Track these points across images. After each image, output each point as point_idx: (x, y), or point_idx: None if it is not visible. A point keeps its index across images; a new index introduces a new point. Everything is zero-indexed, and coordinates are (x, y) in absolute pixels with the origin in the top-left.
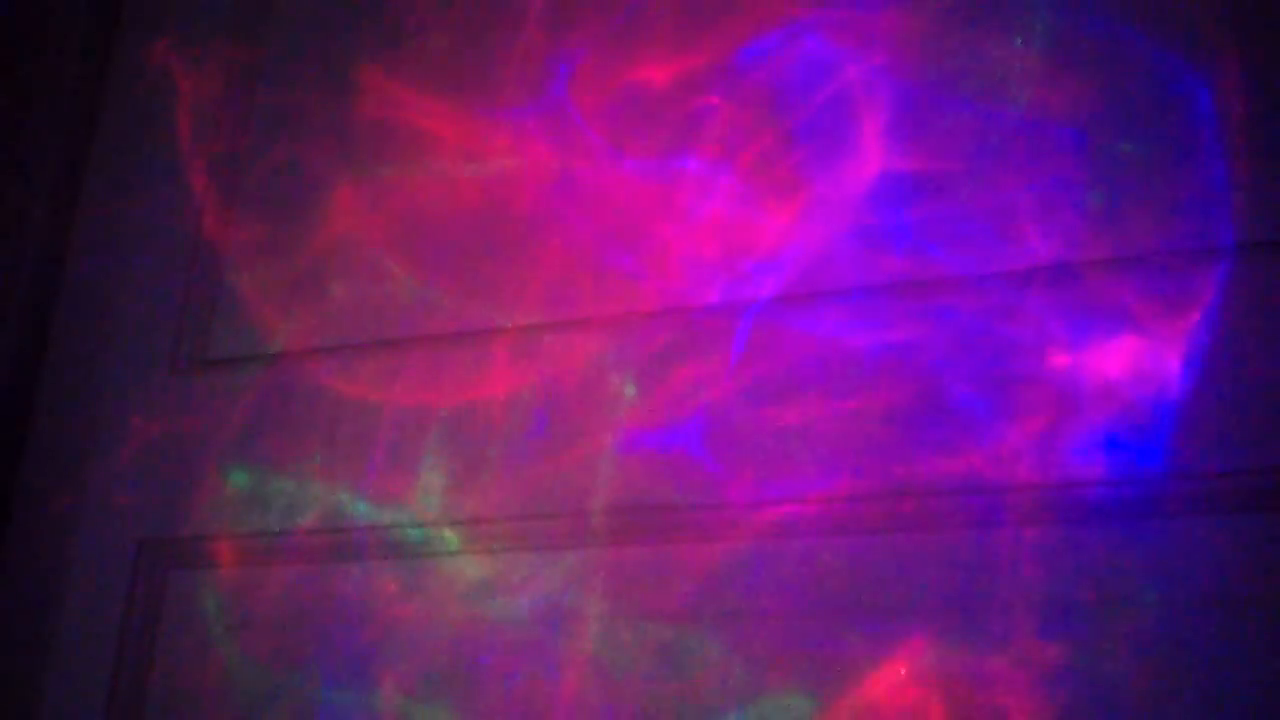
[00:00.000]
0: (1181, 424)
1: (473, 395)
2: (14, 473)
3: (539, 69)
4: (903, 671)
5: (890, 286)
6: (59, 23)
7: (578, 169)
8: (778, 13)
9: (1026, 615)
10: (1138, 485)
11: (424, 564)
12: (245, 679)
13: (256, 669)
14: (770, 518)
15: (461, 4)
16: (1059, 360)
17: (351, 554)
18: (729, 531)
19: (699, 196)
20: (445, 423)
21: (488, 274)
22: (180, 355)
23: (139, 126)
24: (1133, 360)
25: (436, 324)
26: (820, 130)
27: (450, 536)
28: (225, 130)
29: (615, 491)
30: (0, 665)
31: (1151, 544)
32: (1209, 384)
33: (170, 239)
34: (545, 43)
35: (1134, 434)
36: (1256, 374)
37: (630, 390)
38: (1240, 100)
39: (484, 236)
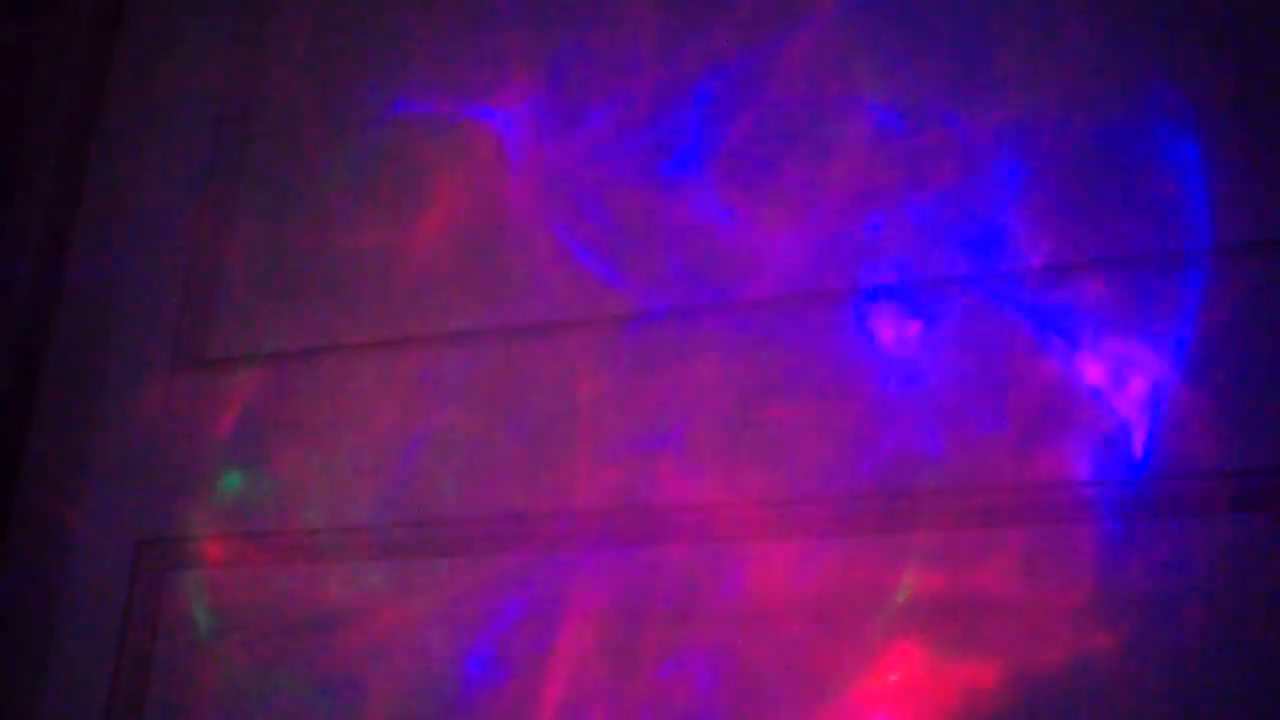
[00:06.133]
0: (1180, 424)
1: (470, 395)
2: (14, 473)
3: (538, 68)
4: (901, 671)
5: (889, 287)
6: (60, 23)
7: (576, 169)
8: (776, 12)
9: (1026, 615)
10: (1138, 485)
11: (423, 564)
12: (244, 679)
13: (255, 669)
14: (769, 518)
15: (459, 3)
16: (1058, 360)
17: (350, 554)
18: (728, 531)
19: (697, 197)
20: (443, 422)
21: (484, 274)
22: (180, 355)
23: (139, 126)
24: (1132, 360)
25: (434, 324)
26: (818, 130)
27: (449, 536)
28: (225, 129)
29: (613, 492)
30: (0, 665)
31: (1151, 544)
32: (1208, 384)
33: (170, 239)
34: (544, 42)
35: (1132, 434)
36: (1255, 374)
37: (630, 390)
38: (1240, 100)
39: (481, 236)
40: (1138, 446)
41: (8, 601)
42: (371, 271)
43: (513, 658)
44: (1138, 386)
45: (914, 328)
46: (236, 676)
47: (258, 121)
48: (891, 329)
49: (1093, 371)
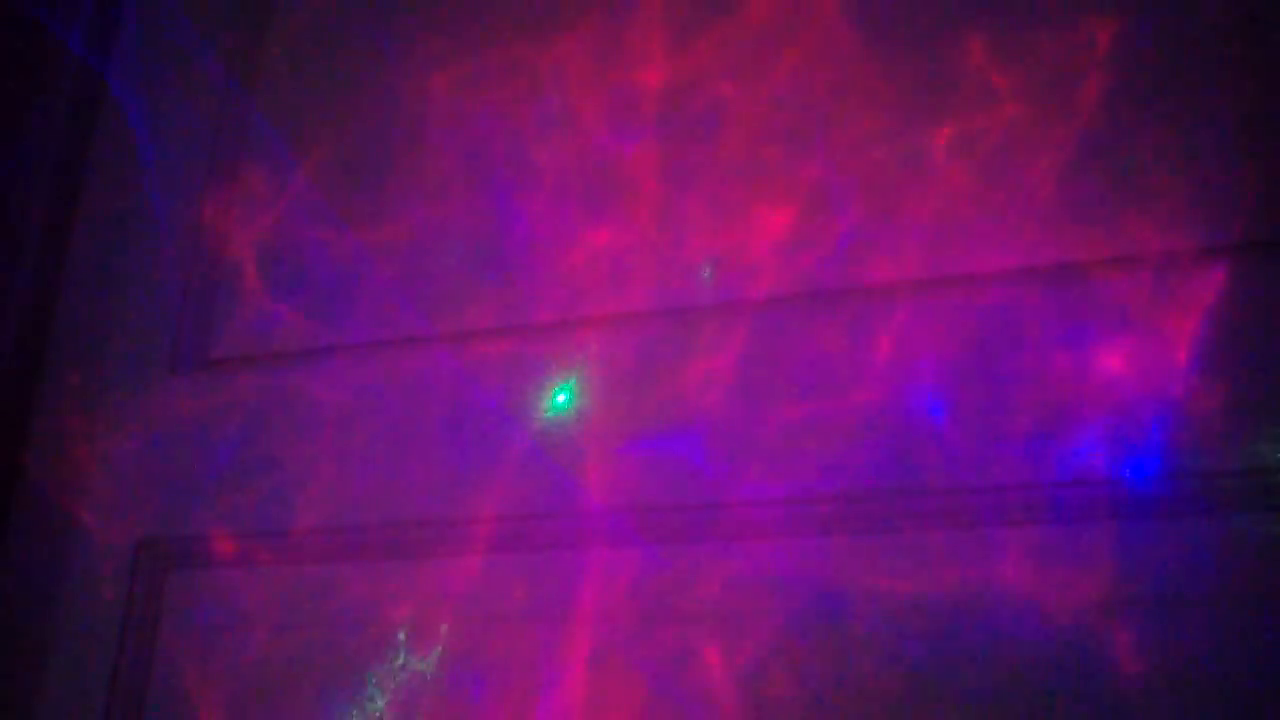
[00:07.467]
0: (1181, 424)
1: (471, 395)
2: (14, 473)
3: (539, 69)
4: (902, 671)
5: (890, 286)
6: (60, 22)
7: (576, 169)
8: (777, 14)
9: (1026, 615)
10: (1138, 485)
11: (424, 564)
12: (245, 679)
13: (256, 669)
14: (770, 518)
15: (458, 8)
16: (1059, 360)
17: (351, 554)
18: (728, 531)
19: (699, 197)
20: (444, 422)
21: (486, 275)
22: (180, 355)
23: (139, 125)
24: (1133, 360)
25: (435, 325)
26: (820, 131)
27: (450, 536)
28: (225, 130)
29: (615, 491)
30: (0, 665)
31: (1152, 544)
32: (1209, 384)
33: (170, 239)
34: (545, 43)
35: (1134, 434)
36: (1256, 374)
37: (630, 390)
38: (1240, 100)
39: (482, 238)
40: (1148, 445)
41: (8, 601)
42: (373, 271)
43: (517, 657)
44: (1148, 386)
45: (923, 326)
46: (237, 676)
47: (258, 121)
48: (902, 328)
49: (1102, 371)
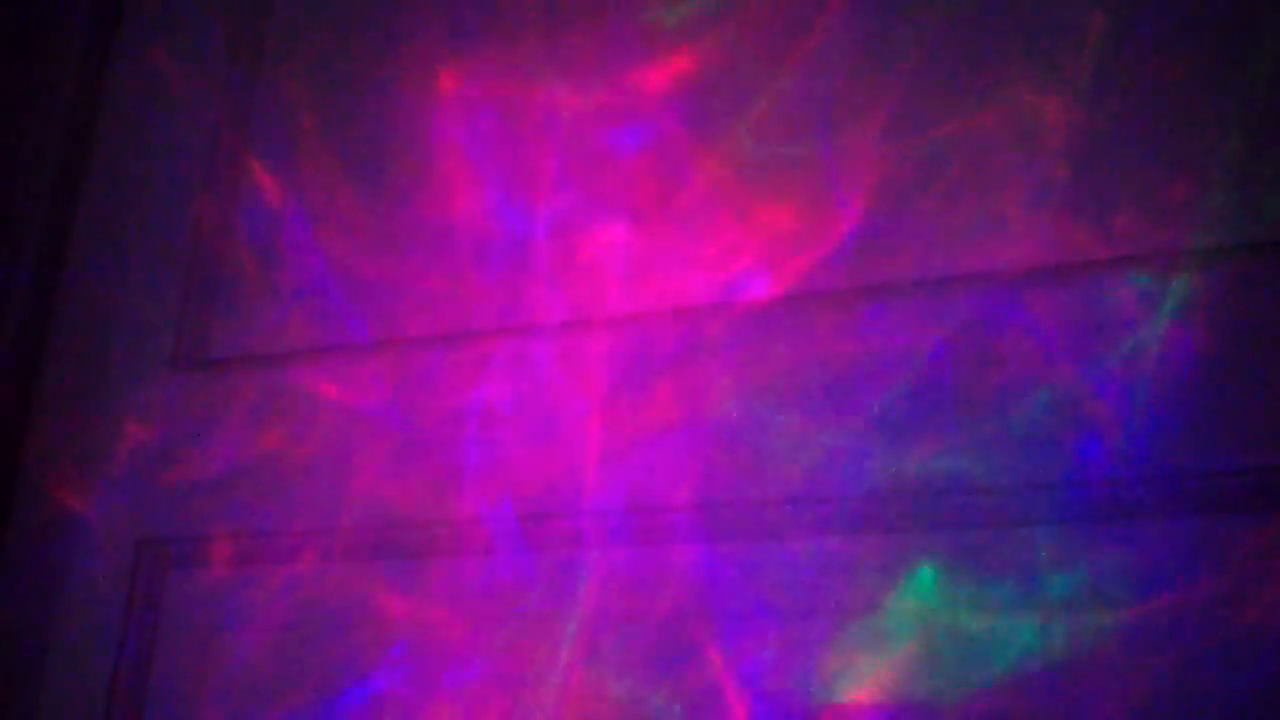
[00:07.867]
0: (1181, 424)
1: (471, 396)
2: (14, 473)
3: (536, 70)
4: (903, 672)
5: (889, 287)
6: (59, 23)
7: (575, 169)
8: (781, 12)
9: (1026, 616)
10: (1137, 485)
11: (423, 564)
12: (245, 679)
13: (256, 669)
14: (769, 518)
15: (458, 6)
16: (1058, 360)
17: (351, 554)
18: (728, 531)
19: (699, 197)
20: (444, 422)
21: (486, 275)
22: (180, 355)
23: (138, 127)
24: (1132, 360)
25: (435, 325)
26: (819, 132)
27: (450, 536)
28: (224, 131)
29: (615, 491)
30: (0, 665)
31: (1151, 544)
32: (1208, 384)
33: (170, 239)
34: (542, 45)
35: (1133, 434)
36: (1255, 374)
37: (631, 390)
38: (1241, 100)
39: (482, 238)
40: (1147, 446)
41: (8, 601)
42: (374, 270)
43: (516, 656)
44: (1147, 386)
45: (922, 327)
46: (236, 676)
47: (257, 121)
48: (902, 328)
49: (1101, 371)
